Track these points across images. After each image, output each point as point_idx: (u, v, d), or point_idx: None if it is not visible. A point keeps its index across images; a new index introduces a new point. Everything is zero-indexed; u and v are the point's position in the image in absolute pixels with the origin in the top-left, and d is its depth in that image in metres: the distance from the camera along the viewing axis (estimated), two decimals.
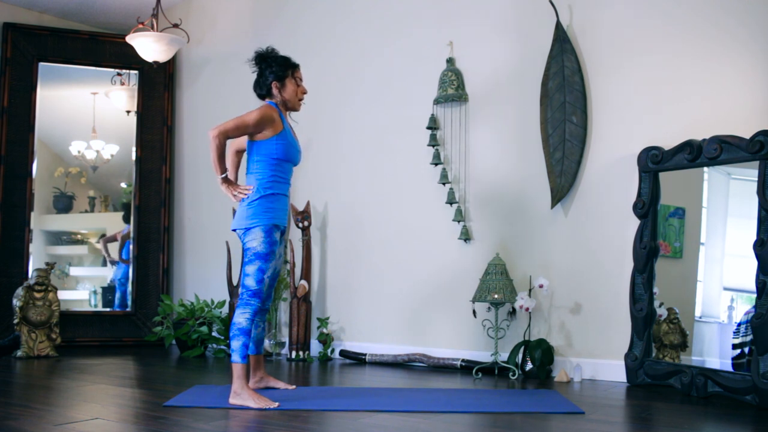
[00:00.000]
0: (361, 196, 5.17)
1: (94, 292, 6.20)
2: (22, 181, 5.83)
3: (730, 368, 3.61)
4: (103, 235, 6.29)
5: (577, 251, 4.25)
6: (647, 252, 3.91)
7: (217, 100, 5.98)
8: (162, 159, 6.18)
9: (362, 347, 5.02)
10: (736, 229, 3.77)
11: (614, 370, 4.05)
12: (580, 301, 4.23)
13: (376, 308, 5.03)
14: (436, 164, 4.76)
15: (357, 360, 4.92)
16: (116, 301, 6.15)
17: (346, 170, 5.25)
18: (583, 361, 4.16)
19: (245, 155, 3.54)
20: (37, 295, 5.22)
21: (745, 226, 3.56)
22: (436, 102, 4.74)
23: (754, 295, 3.41)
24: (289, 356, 5.06)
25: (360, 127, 5.20)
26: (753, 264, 3.43)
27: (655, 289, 3.91)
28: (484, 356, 4.45)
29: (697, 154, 3.72)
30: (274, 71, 3.50)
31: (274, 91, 3.51)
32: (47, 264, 5.41)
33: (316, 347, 5.18)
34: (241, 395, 3.24)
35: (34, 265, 5.75)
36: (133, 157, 6.17)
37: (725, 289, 3.81)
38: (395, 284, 4.94)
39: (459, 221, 4.65)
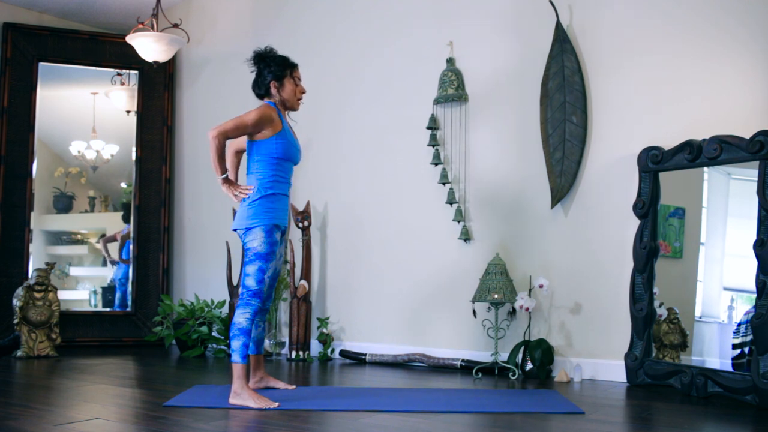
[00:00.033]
0: (361, 196, 5.17)
1: (94, 292, 6.20)
2: (22, 181, 5.83)
3: (730, 368, 3.61)
4: (103, 235, 6.29)
5: (577, 251, 4.25)
6: (647, 252, 3.91)
7: (217, 100, 5.98)
8: (162, 159, 6.18)
9: (362, 347, 5.02)
10: (736, 229, 3.77)
11: (614, 370, 4.05)
12: (580, 301, 4.23)
13: (376, 308, 5.03)
14: (436, 164, 4.76)
15: (357, 360, 4.92)
16: (116, 301, 6.15)
17: (346, 170, 5.25)
18: (583, 361, 4.16)
19: (245, 155, 3.55)
20: (37, 295, 5.23)
21: (745, 226, 3.56)
22: (436, 102, 4.74)
23: (754, 295, 3.41)
24: (289, 356, 5.06)
25: (360, 127, 5.20)
26: (753, 264, 3.43)
27: (655, 289, 3.91)
28: (484, 356, 4.45)
29: (697, 154, 3.72)
30: (273, 71, 3.50)
31: (273, 90, 3.51)
32: (47, 264, 5.41)
33: (316, 347, 5.19)
34: (241, 395, 3.24)
35: (34, 265, 5.75)
36: (133, 157, 6.17)
37: (725, 289, 3.81)
38: (395, 284, 4.94)
39: (459, 221, 4.65)
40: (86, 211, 6.37)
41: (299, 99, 3.59)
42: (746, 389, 3.35)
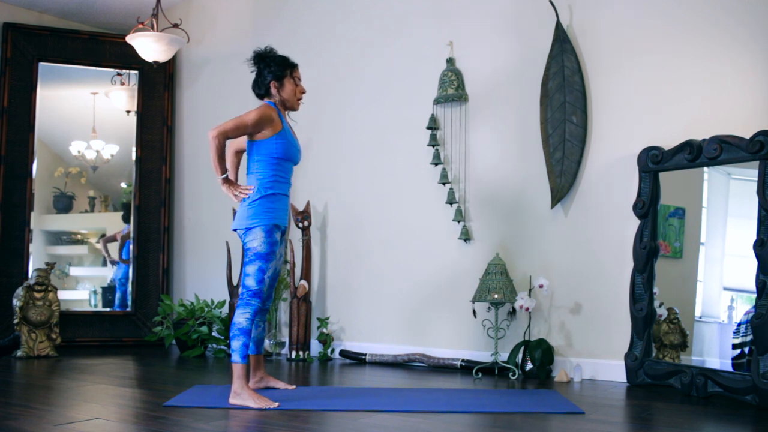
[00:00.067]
0: (361, 196, 5.17)
1: (94, 292, 6.20)
2: (22, 181, 5.83)
3: (730, 368, 3.61)
4: (103, 235, 6.29)
5: (577, 251, 4.25)
6: (647, 252, 3.91)
7: (217, 100, 5.98)
8: (162, 159, 6.18)
9: (362, 347, 5.02)
10: (736, 229, 3.77)
11: (614, 370, 4.05)
12: (580, 301, 4.23)
13: (376, 308, 5.03)
14: (436, 164, 4.76)
15: (357, 360, 4.92)
16: (116, 301, 6.15)
17: (346, 170, 5.25)
18: (583, 361, 4.16)
19: (245, 155, 3.55)
20: (37, 295, 5.22)
21: (745, 226, 3.56)
22: (436, 102, 4.74)
23: (754, 295, 3.41)
24: (289, 356, 5.06)
25: (360, 127, 5.20)
26: (753, 264, 3.43)
27: (655, 289, 3.91)
28: (484, 356, 4.45)
29: (697, 154, 3.72)
30: (273, 71, 3.50)
31: (273, 90, 3.51)
32: (47, 264, 5.41)
33: (316, 347, 5.18)
34: (241, 395, 3.24)
35: (34, 265, 5.75)
36: (133, 157, 6.17)
37: (725, 289, 3.81)
38: (395, 284, 4.94)
39: (459, 221, 4.65)
40: (86, 211, 6.37)
41: (299, 99, 3.59)
42: (746, 389, 3.35)
